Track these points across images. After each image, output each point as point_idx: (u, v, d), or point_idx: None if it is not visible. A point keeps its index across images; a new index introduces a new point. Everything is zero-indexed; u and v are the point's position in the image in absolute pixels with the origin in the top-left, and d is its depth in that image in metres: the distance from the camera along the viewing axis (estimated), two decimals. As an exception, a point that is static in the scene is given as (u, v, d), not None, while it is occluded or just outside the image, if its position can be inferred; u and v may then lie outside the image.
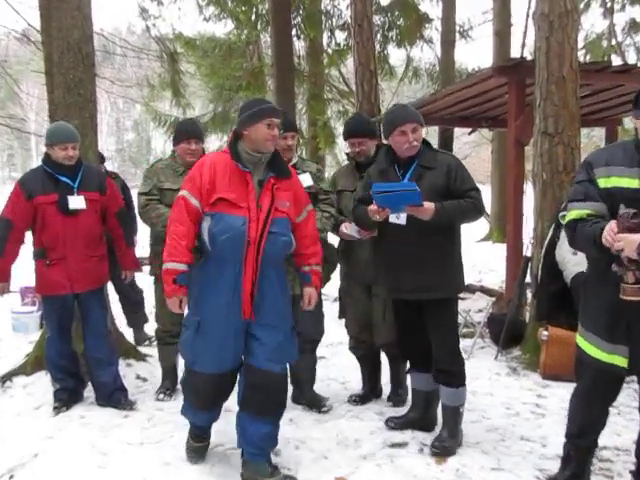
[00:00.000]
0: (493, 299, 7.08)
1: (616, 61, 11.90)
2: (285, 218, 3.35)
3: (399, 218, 3.59)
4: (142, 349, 5.79)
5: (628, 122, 10.56)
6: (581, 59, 11.75)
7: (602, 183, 2.80)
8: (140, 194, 4.57)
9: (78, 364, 4.58)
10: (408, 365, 4.10)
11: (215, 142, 20.28)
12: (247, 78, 14.32)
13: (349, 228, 4.16)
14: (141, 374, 5.22)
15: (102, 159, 6.15)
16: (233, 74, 14.80)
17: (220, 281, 3.29)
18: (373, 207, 3.53)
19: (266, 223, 3.25)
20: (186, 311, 3.45)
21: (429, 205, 3.46)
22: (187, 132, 4.61)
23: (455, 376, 3.75)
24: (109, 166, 6.78)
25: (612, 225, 2.59)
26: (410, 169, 3.68)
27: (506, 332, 5.73)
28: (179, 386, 4.73)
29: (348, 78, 15.33)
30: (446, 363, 3.72)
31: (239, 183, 3.27)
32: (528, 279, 5.90)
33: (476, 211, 3.64)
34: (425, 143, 3.77)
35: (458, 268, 3.79)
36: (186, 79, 15.14)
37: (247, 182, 3.27)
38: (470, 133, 11.38)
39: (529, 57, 7.81)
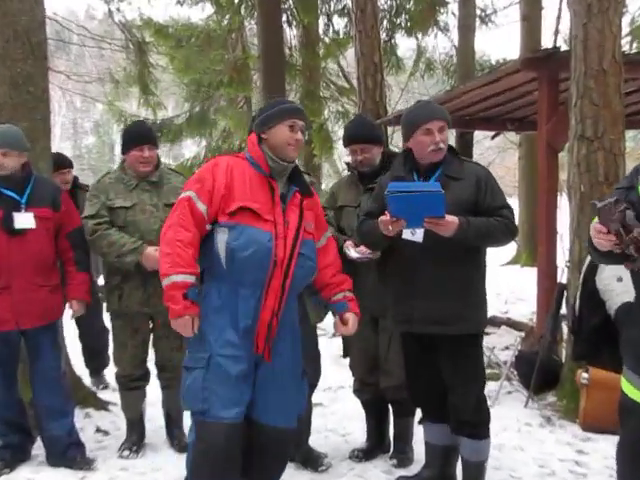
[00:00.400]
0: (522, 334, 7.06)
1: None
2: (312, 240, 3.36)
3: (414, 234, 3.56)
4: (103, 395, 5.75)
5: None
6: (625, 48, 11.83)
7: None
8: (86, 218, 4.45)
9: (25, 415, 4.53)
10: (419, 414, 4.08)
11: (192, 147, 20.35)
12: (229, 72, 14.39)
13: (351, 249, 4.13)
14: (102, 426, 5.17)
15: (68, 164, 6.12)
16: (212, 68, 14.89)
17: (235, 308, 3.19)
18: (385, 217, 3.49)
19: (296, 243, 3.22)
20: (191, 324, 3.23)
21: (452, 219, 3.42)
22: (138, 137, 4.56)
23: (479, 427, 3.72)
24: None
25: (596, 226, 2.59)
26: (432, 178, 3.65)
27: (538, 374, 5.71)
28: (147, 441, 4.73)
29: (349, 72, 15.45)
30: (468, 413, 3.69)
31: (262, 192, 3.25)
32: (564, 310, 5.90)
33: (508, 233, 3.63)
34: (450, 149, 3.77)
35: (482, 298, 3.77)
36: (156, 73, 15.23)
37: (273, 190, 3.26)
38: (493, 137, 11.46)
39: (563, 47, 7.87)
